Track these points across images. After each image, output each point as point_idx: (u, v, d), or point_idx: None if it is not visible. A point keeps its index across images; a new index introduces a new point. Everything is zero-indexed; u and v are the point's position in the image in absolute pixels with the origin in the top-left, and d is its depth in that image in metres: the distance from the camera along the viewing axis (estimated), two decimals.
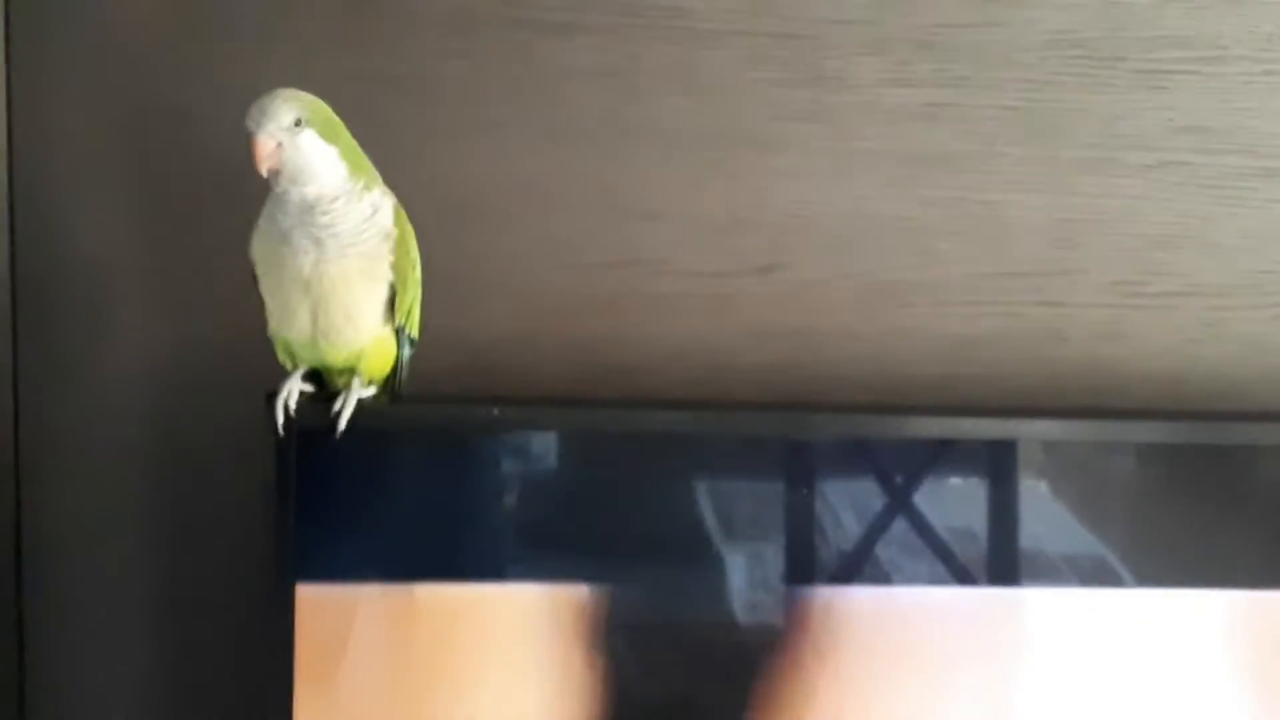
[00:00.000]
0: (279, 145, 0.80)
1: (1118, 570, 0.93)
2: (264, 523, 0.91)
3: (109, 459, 1.04)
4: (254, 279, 0.85)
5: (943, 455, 0.93)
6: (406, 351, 0.89)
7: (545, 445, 0.91)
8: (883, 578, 0.93)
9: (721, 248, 1.05)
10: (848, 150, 1.04)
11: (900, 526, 0.92)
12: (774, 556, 0.91)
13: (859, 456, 0.94)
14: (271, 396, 0.86)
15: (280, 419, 0.85)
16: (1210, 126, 1.06)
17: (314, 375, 0.88)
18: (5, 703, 1.03)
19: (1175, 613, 0.93)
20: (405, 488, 0.91)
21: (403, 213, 0.85)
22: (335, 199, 0.82)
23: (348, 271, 0.83)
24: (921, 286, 1.05)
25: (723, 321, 1.05)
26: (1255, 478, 0.96)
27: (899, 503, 0.92)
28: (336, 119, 0.83)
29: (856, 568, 0.92)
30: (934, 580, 0.93)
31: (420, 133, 0.98)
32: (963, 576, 0.92)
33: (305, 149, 0.80)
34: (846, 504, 0.93)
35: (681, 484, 0.91)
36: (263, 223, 0.84)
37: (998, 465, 0.94)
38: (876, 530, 0.92)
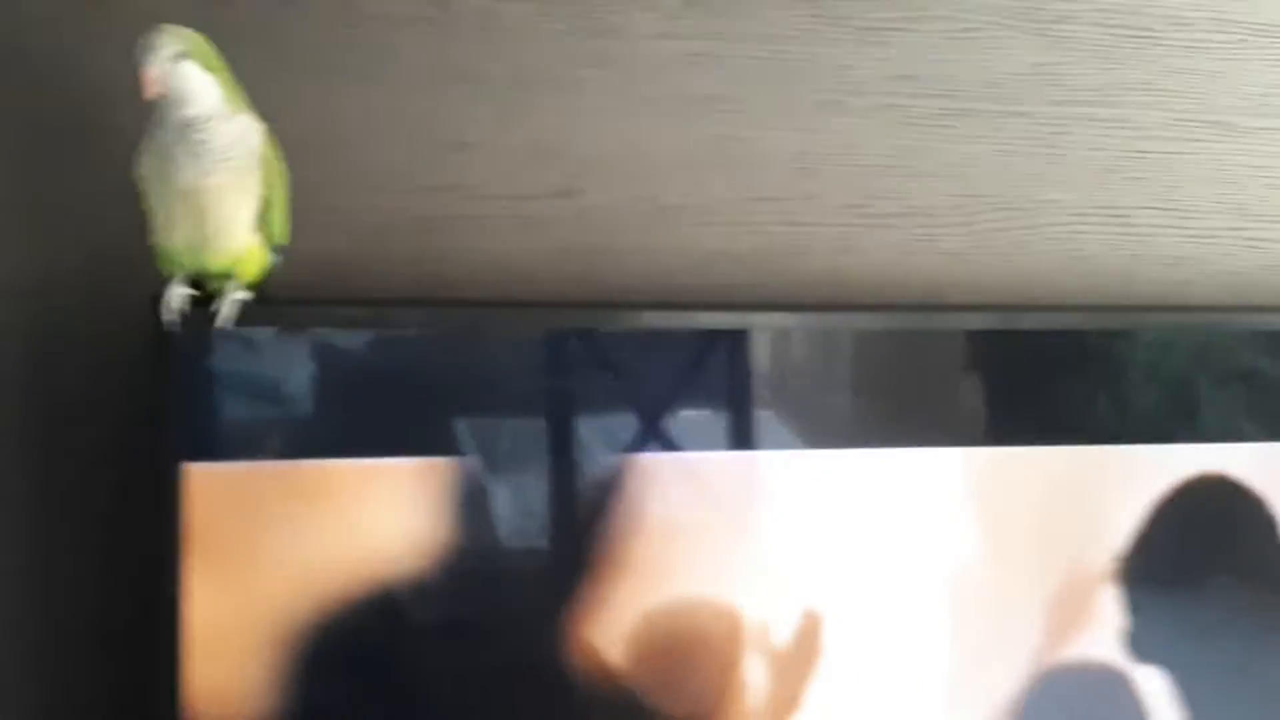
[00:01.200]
0: (164, 74, 0.87)
1: (847, 433, 1.10)
2: (141, 420, 1.00)
3: None
4: (140, 195, 0.93)
5: (708, 344, 1.07)
6: (274, 259, 0.97)
7: (387, 340, 1.02)
8: (670, 445, 1.05)
9: (526, 175, 1.14)
10: (630, 93, 1.15)
11: (679, 401, 1.06)
12: (587, 430, 1.03)
13: (643, 345, 1.06)
14: (156, 300, 0.93)
15: (167, 317, 0.93)
16: (919, 75, 1.20)
17: (193, 284, 0.95)
18: None
19: (901, 470, 1.09)
20: (273, 377, 1.00)
21: (272, 138, 0.94)
22: (209, 119, 0.90)
23: (222, 186, 0.91)
24: (691, 209, 1.16)
25: (529, 239, 1.14)
26: (956, 358, 1.14)
27: (677, 383, 1.06)
28: (214, 52, 0.91)
29: (649, 437, 1.05)
30: (710, 446, 1.06)
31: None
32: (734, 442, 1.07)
33: (185, 76, 0.89)
34: (636, 384, 1.06)
35: (505, 370, 1.04)
36: (148, 143, 0.91)
37: (752, 350, 1.09)
38: (658, 404, 1.05)
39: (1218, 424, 1.18)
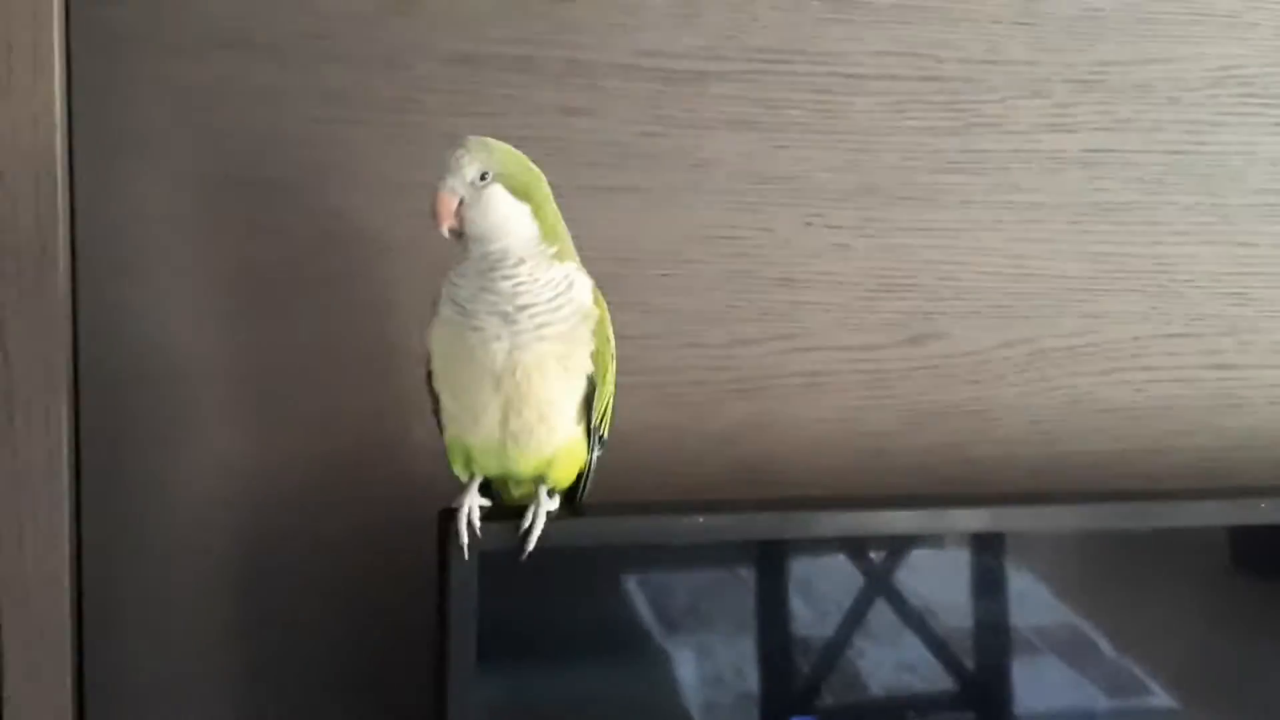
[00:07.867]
0: (461, 202, 0.50)
1: None
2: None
3: (183, 591, 0.63)
4: (428, 375, 0.55)
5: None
6: (596, 455, 0.58)
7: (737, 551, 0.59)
8: None
9: (869, 316, 0.70)
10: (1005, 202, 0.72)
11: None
12: None
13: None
14: (446, 514, 0.55)
15: (465, 539, 0.54)
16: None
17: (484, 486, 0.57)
18: None
19: None
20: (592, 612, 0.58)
21: (600, 293, 0.56)
22: (521, 261, 0.52)
23: (544, 360, 0.53)
24: (1088, 352, 0.72)
25: (874, 399, 0.70)
26: None
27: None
28: (533, 172, 0.53)
29: None
30: None
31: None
32: None
33: (491, 204, 0.50)
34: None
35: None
36: (443, 307, 0.54)
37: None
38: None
39: None
